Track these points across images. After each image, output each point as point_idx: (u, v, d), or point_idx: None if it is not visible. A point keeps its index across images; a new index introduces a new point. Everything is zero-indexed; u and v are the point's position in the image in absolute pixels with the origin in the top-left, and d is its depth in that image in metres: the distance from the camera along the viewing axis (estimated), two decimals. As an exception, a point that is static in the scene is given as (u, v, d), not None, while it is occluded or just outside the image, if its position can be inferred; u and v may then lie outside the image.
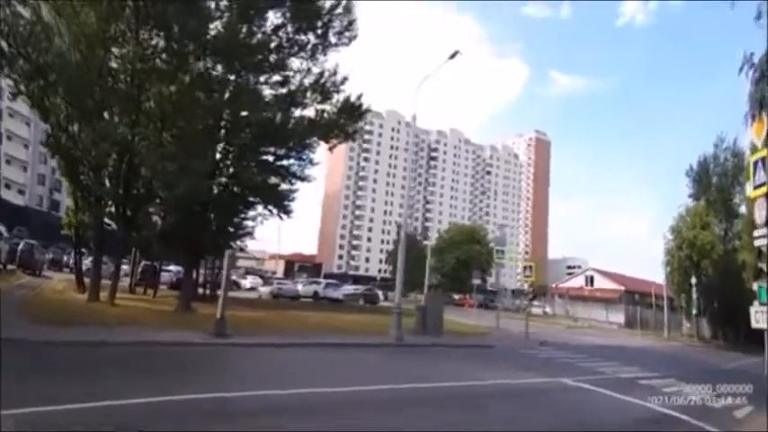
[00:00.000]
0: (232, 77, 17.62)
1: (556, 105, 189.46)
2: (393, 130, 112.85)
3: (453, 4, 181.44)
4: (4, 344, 6.94)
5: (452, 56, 15.82)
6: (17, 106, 44.71)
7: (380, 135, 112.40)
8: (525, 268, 26.14)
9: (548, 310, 54.19)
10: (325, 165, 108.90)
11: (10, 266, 23.56)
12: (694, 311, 35.28)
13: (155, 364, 8.95)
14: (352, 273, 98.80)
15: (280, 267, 78.84)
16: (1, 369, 5.51)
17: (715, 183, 41.18)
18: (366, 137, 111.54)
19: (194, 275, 20.22)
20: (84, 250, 20.43)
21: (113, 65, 16.42)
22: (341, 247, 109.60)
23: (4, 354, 6.22)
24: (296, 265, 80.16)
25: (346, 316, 21.62)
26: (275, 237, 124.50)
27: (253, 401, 6.55)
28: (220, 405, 6.21)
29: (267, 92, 18.76)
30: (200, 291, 22.90)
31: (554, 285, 63.75)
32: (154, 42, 16.38)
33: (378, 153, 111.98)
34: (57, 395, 5.50)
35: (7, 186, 54.87)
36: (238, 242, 24.08)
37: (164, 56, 16.48)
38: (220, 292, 13.04)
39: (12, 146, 55.96)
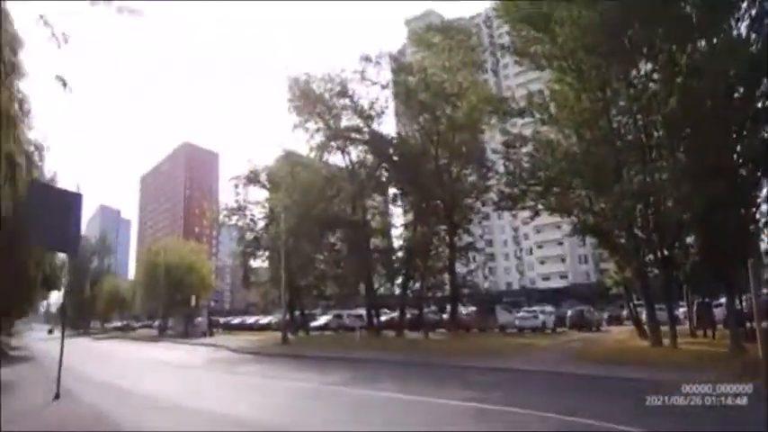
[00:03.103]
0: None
1: None
2: None
3: None
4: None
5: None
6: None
7: None
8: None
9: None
10: None
11: (560, 329, 30.48)
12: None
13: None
14: None
15: None
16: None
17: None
18: None
19: (739, 305, 17.73)
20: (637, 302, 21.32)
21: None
22: None
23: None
24: None
25: None
26: None
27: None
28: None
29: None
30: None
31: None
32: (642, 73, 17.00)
33: None
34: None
35: (546, 279, 71.55)
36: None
37: (652, 85, 16.69)
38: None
39: (544, 251, 72.40)
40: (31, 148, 21.74)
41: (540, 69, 19.39)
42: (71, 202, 10.78)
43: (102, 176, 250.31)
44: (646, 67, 16.82)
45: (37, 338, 58.65)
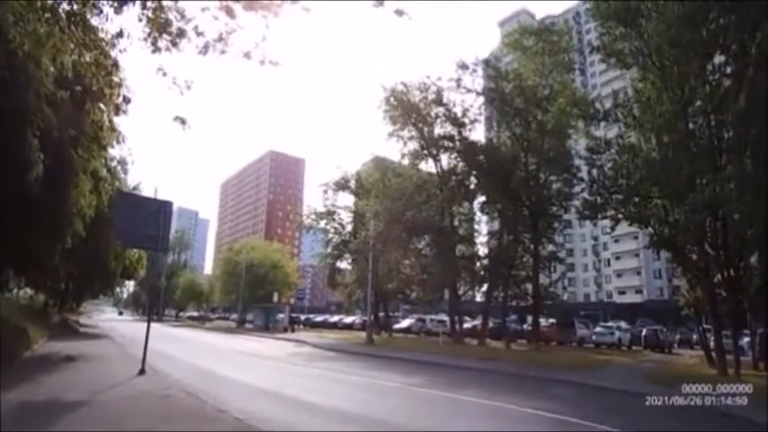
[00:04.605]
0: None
1: None
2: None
3: None
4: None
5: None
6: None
7: None
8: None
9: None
10: None
11: (635, 347, 30.80)
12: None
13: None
14: None
15: None
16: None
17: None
18: None
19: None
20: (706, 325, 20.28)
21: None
22: None
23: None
24: None
25: None
26: None
27: None
28: None
29: None
30: None
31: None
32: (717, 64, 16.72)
33: None
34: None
35: (622, 293, 70.82)
36: None
37: (725, 81, 16.62)
38: None
39: (621, 263, 71.76)
40: (114, 164, 24.15)
41: (625, 68, 19.71)
42: (161, 207, 11.89)
43: (183, 182, 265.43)
44: (720, 58, 16.59)
45: (104, 319, 63.28)
